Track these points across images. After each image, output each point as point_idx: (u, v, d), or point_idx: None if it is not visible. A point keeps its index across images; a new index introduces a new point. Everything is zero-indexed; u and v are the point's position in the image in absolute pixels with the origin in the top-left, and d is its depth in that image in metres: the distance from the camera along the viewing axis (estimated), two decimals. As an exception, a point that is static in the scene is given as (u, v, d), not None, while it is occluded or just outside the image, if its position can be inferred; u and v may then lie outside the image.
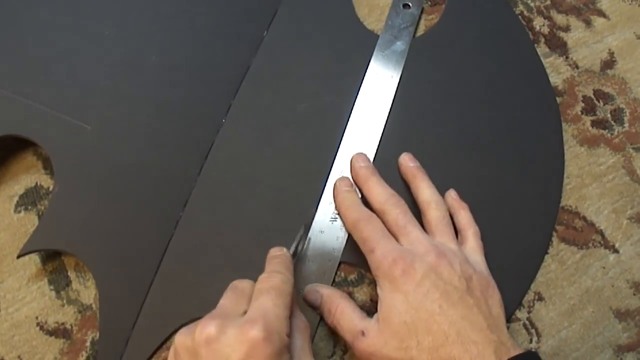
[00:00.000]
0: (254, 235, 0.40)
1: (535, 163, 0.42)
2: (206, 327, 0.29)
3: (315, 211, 0.40)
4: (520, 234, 0.40)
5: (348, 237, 0.39)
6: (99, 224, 0.41)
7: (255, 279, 0.38)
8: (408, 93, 0.43)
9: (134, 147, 0.42)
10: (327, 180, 0.40)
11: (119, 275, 0.40)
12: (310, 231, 0.39)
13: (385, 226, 0.36)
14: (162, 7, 0.46)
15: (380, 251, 0.34)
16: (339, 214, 0.39)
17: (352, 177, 0.40)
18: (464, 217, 0.38)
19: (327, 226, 0.39)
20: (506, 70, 0.44)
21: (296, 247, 0.37)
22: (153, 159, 0.42)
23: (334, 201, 0.39)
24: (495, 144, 0.42)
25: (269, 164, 0.41)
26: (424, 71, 0.44)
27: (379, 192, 0.37)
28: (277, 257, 0.34)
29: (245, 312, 0.31)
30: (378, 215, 0.37)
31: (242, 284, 0.34)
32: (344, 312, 0.35)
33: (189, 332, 0.30)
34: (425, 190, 0.38)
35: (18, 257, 0.41)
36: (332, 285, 0.39)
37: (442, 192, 0.39)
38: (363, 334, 0.33)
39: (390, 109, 0.43)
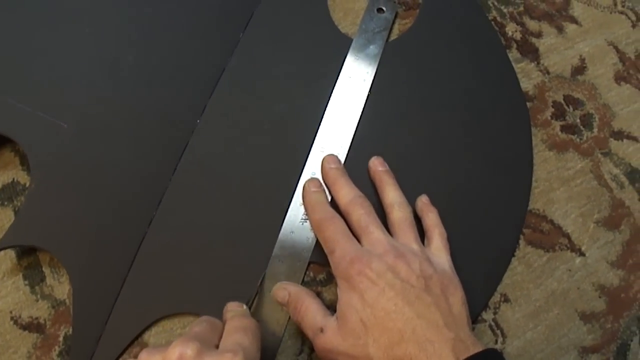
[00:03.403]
0: (227, 235, 0.40)
1: (504, 166, 0.43)
2: (183, 347, 0.29)
3: (286, 213, 0.40)
4: (488, 236, 0.41)
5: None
6: (74, 221, 0.41)
7: (226, 279, 0.39)
8: (380, 96, 0.44)
9: (110, 145, 0.42)
10: (298, 181, 0.41)
11: (93, 272, 0.40)
12: (281, 231, 0.40)
13: (349, 226, 0.37)
14: (139, 8, 0.46)
15: (339, 251, 0.35)
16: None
17: (322, 178, 0.40)
18: (431, 219, 0.39)
19: (297, 227, 0.40)
20: (477, 74, 0.45)
21: (252, 300, 0.38)
22: (128, 157, 0.42)
23: (303, 202, 0.40)
24: (465, 147, 0.43)
25: (243, 165, 0.42)
26: (396, 74, 0.45)
27: (346, 192, 0.38)
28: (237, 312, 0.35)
29: (216, 346, 0.31)
30: (343, 216, 0.38)
31: (215, 320, 0.34)
32: (308, 309, 0.35)
33: (157, 351, 0.30)
34: (390, 193, 0.39)
35: None
36: (301, 284, 0.40)
37: (412, 193, 0.40)
38: (322, 330, 0.34)
39: (363, 112, 0.43)
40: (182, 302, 0.39)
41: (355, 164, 0.42)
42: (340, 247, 0.35)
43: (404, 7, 0.47)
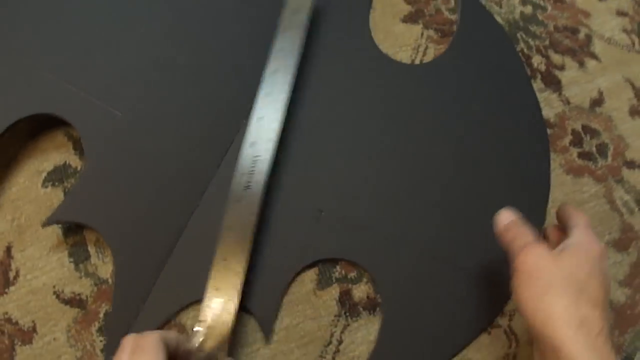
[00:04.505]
0: (263, 228, 0.42)
1: (523, 186, 0.45)
2: None
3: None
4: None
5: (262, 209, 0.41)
6: (122, 203, 0.43)
7: (255, 270, 0.41)
8: (408, 114, 0.47)
9: (160, 136, 0.45)
10: None
11: (135, 253, 0.42)
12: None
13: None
14: (193, 11, 0.49)
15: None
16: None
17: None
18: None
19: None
20: (502, 100, 0.48)
21: None
22: (177, 149, 0.45)
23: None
24: (487, 166, 0.46)
25: (285, 165, 0.45)
26: (428, 95, 0.48)
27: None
28: None
29: None
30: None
31: None
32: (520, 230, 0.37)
33: None
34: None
35: (43, 226, 0.44)
36: (333, 282, 0.43)
37: (431, 203, 0.44)
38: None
39: (393, 128, 0.47)
40: None
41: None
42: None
43: (440, 34, 0.51)
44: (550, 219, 0.46)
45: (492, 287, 0.42)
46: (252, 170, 0.40)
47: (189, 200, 0.44)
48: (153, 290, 0.42)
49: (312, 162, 0.45)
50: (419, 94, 0.48)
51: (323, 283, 0.43)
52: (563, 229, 0.38)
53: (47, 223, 0.43)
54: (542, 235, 0.41)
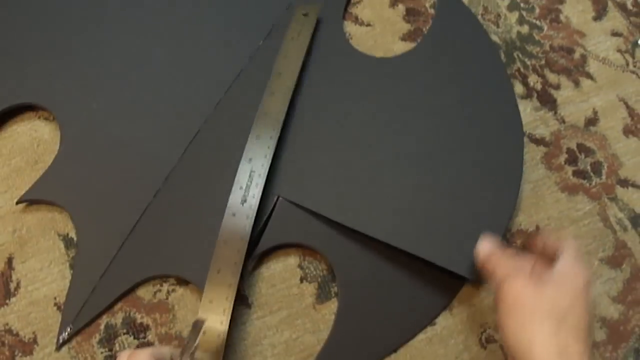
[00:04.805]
0: (220, 212, 0.43)
1: (494, 175, 0.45)
2: None
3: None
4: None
5: (255, 216, 0.42)
6: (90, 185, 0.46)
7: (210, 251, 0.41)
8: (387, 104, 0.48)
9: (131, 125, 0.48)
10: None
11: (98, 230, 0.45)
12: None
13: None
14: (170, 12, 0.52)
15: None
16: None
17: None
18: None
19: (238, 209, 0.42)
20: (477, 89, 0.48)
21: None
22: (144, 137, 0.47)
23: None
24: (458, 154, 0.46)
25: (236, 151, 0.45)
26: (402, 87, 0.49)
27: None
28: None
29: None
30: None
31: None
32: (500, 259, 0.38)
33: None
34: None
35: (17, 203, 0.46)
36: (332, 296, 0.43)
37: (396, 191, 0.45)
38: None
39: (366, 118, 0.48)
40: (172, 266, 0.44)
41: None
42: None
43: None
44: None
45: (447, 274, 0.43)
46: (249, 185, 0.42)
47: (154, 183, 0.46)
48: (111, 265, 0.44)
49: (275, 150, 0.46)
50: (392, 85, 0.49)
51: (322, 297, 0.44)
52: (549, 255, 0.39)
53: (20, 201, 0.46)
54: (527, 244, 0.42)
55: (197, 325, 0.38)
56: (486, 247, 0.39)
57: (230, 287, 0.39)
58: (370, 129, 0.47)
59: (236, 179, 0.42)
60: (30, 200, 0.46)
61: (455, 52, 0.50)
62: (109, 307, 0.43)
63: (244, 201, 0.42)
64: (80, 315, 0.42)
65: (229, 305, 0.39)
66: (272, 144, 0.44)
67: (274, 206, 0.44)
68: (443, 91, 0.48)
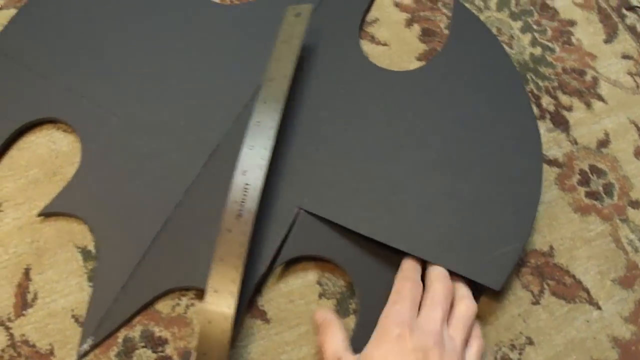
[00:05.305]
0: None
1: (512, 188, 0.46)
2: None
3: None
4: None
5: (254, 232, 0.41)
6: (111, 197, 0.46)
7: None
8: (403, 118, 0.49)
9: (151, 138, 0.48)
10: None
11: (119, 242, 0.45)
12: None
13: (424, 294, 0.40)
14: (190, 27, 0.53)
15: (398, 307, 0.38)
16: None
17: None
18: (476, 328, 0.40)
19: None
20: (494, 103, 0.49)
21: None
22: (165, 149, 0.48)
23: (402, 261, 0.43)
24: (475, 168, 0.46)
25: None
26: (418, 100, 0.49)
27: (440, 271, 0.41)
28: None
29: None
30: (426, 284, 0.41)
31: None
32: (334, 336, 0.39)
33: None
34: (462, 288, 0.41)
35: (38, 215, 0.46)
36: (350, 313, 0.44)
37: (414, 205, 0.45)
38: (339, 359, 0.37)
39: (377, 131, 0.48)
40: (193, 278, 0.44)
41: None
42: (401, 305, 0.38)
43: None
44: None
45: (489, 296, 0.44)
46: (244, 199, 0.41)
47: (173, 196, 0.46)
48: (131, 277, 0.44)
49: (295, 161, 0.47)
50: (407, 99, 0.49)
51: (341, 314, 0.44)
52: None
53: (41, 214, 0.46)
54: None
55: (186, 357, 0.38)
56: (320, 315, 0.41)
57: (229, 306, 0.39)
58: (390, 141, 0.48)
59: (230, 193, 0.41)
60: (51, 213, 0.46)
61: (474, 66, 0.51)
62: (130, 319, 0.43)
63: (239, 216, 0.41)
64: (101, 327, 0.43)
65: (229, 325, 0.38)
66: (267, 155, 0.42)
67: (295, 218, 0.45)
68: (461, 104, 0.49)
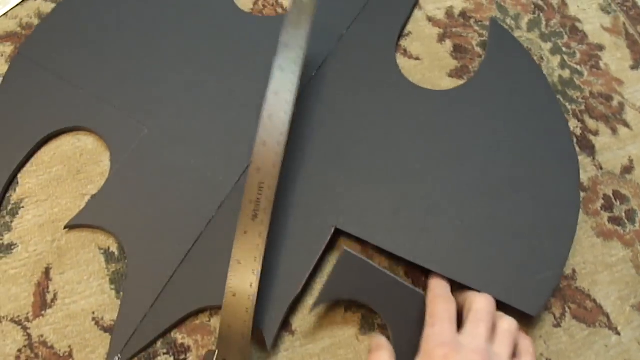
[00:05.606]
0: (276, 245, 0.44)
1: (549, 212, 0.46)
2: None
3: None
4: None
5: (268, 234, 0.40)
6: (141, 211, 0.45)
7: (267, 286, 0.42)
8: (439, 139, 0.48)
9: (183, 152, 0.47)
10: None
11: (149, 259, 0.44)
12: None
13: (461, 310, 0.40)
14: (224, 39, 0.52)
15: (437, 329, 0.37)
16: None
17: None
18: (527, 345, 0.40)
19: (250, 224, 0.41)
20: (530, 125, 0.49)
21: None
22: (197, 164, 0.47)
23: (429, 280, 0.43)
24: (513, 192, 0.46)
25: (298, 186, 0.46)
26: (454, 121, 0.49)
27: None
28: None
29: None
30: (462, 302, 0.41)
31: None
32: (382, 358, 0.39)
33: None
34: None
35: (65, 228, 0.45)
36: (375, 328, 0.44)
37: (450, 228, 0.45)
38: None
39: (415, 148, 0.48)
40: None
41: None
42: (440, 326, 0.37)
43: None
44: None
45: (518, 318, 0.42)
46: (259, 198, 0.40)
47: (206, 212, 0.45)
48: (162, 294, 0.43)
49: (331, 179, 0.47)
50: (444, 119, 0.49)
51: (366, 328, 0.44)
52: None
53: (68, 225, 0.45)
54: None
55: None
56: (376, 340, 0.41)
57: (247, 311, 0.39)
58: (427, 162, 0.47)
59: (245, 191, 0.40)
60: (79, 226, 0.45)
61: (511, 87, 0.51)
62: (159, 338, 0.42)
63: (254, 217, 0.40)
64: (129, 345, 0.41)
65: (247, 330, 0.38)
66: (280, 150, 0.41)
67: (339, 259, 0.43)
68: (499, 126, 0.49)
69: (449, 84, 0.53)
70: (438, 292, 0.41)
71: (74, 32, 0.51)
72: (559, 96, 0.54)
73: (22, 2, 0.54)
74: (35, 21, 0.53)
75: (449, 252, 0.44)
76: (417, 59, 0.54)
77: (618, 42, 0.57)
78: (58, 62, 0.50)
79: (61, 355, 0.42)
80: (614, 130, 0.53)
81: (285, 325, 0.43)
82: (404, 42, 0.54)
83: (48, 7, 0.54)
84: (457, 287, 0.43)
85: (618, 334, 0.46)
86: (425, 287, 0.44)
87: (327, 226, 0.45)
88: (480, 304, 0.39)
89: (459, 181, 0.47)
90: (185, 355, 0.42)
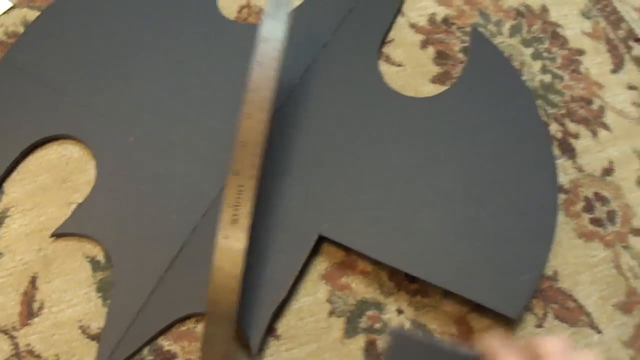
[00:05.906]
0: (261, 251, 0.44)
1: (527, 216, 0.46)
2: None
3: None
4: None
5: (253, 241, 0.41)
6: (127, 220, 0.46)
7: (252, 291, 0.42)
8: (419, 144, 0.49)
9: (167, 160, 0.48)
10: None
11: (134, 267, 0.44)
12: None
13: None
14: (208, 47, 0.52)
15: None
16: None
17: None
18: None
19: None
20: (510, 131, 0.50)
21: None
22: (182, 173, 0.47)
23: None
24: (492, 196, 0.47)
25: (280, 194, 0.47)
26: (435, 127, 0.50)
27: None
28: None
29: None
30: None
31: None
32: None
33: None
34: None
35: (51, 236, 0.45)
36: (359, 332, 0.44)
37: (431, 232, 0.45)
38: None
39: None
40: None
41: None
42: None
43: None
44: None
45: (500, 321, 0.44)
46: (238, 203, 0.39)
47: (190, 220, 0.46)
48: (148, 302, 0.43)
49: (314, 187, 0.47)
50: (425, 126, 0.50)
51: (350, 332, 0.44)
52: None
53: (55, 234, 0.45)
54: None
55: None
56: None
57: (228, 318, 0.38)
58: (408, 168, 0.48)
59: (224, 195, 0.39)
60: (65, 234, 0.45)
61: (490, 95, 0.52)
62: (146, 344, 0.43)
63: (234, 221, 0.39)
64: (116, 353, 0.42)
65: (226, 343, 0.38)
66: (258, 151, 0.40)
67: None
68: (479, 132, 0.50)
69: (431, 89, 0.53)
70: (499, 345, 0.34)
71: (60, 40, 0.51)
72: (540, 100, 0.55)
73: (7, 10, 0.54)
74: (21, 29, 0.53)
75: (431, 256, 0.45)
76: (399, 65, 0.55)
77: (598, 47, 0.58)
78: (43, 70, 0.50)
79: (48, 363, 0.42)
80: (594, 133, 0.54)
81: (271, 330, 0.44)
82: (386, 49, 0.55)
83: (34, 16, 0.54)
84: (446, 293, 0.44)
85: (600, 332, 0.47)
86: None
87: (311, 233, 0.45)
88: (548, 347, 0.33)
89: (440, 186, 0.47)
90: (172, 361, 0.43)
